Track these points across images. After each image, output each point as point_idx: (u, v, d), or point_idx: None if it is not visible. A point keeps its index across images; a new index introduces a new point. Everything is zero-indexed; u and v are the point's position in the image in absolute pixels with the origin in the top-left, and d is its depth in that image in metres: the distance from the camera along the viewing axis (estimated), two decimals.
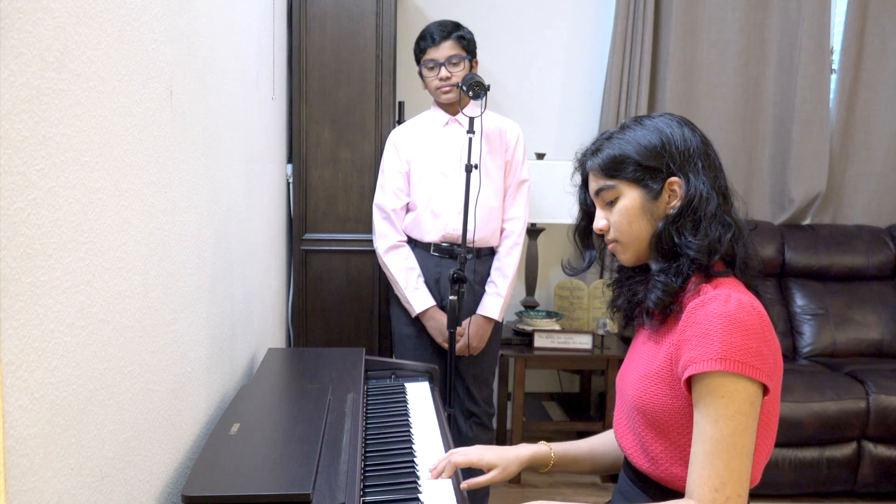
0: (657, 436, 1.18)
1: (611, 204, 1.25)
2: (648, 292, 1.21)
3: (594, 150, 1.27)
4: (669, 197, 1.20)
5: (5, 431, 0.70)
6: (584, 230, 1.37)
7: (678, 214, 1.18)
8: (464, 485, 1.30)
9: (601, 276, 3.28)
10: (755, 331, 1.08)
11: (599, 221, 1.27)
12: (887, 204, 3.55)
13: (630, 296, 1.27)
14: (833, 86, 3.48)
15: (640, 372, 1.22)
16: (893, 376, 2.90)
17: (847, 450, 2.84)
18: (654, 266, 1.21)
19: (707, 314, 1.09)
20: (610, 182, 1.23)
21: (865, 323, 3.26)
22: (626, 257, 1.26)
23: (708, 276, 1.17)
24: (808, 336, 3.26)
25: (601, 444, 1.43)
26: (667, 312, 1.19)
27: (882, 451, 2.83)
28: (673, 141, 1.20)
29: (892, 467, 2.83)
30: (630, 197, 1.22)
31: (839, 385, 2.84)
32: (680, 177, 1.19)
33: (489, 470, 1.33)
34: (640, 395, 1.20)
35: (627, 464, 1.29)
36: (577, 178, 1.34)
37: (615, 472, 1.42)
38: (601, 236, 1.30)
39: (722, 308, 1.09)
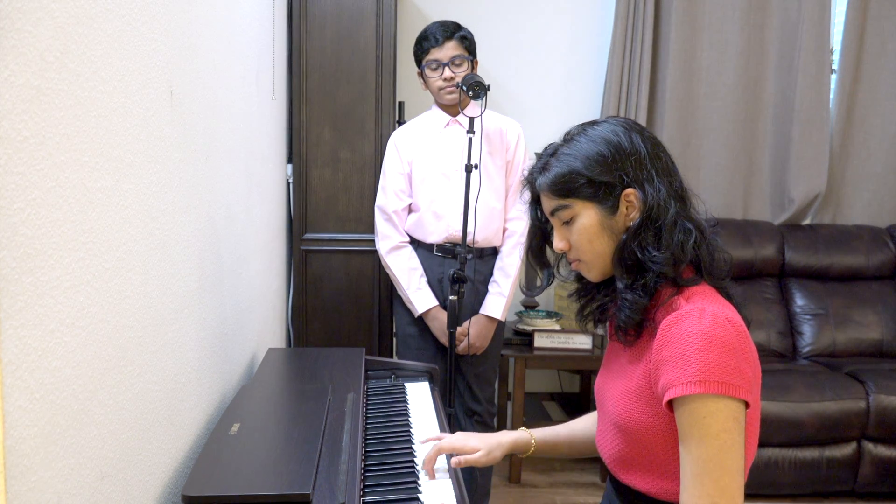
0: (638, 451, 1.16)
1: (568, 223, 1.19)
2: (618, 311, 1.17)
3: (541, 167, 1.21)
4: (627, 209, 1.16)
5: (5, 431, 0.70)
6: (538, 248, 1.32)
7: (638, 228, 1.14)
8: (453, 461, 1.32)
9: None
10: (732, 346, 1.05)
11: (559, 242, 1.22)
12: (887, 204, 3.55)
13: (599, 312, 1.24)
14: (833, 86, 3.48)
15: (619, 388, 1.20)
16: (893, 376, 2.90)
17: (847, 450, 2.84)
18: (619, 284, 1.17)
19: (682, 333, 1.06)
20: (564, 202, 1.17)
21: (865, 323, 3.26)
22: (593, 275, 1.22)
23: (678, 285, 1.14)
24: (808, 336, 3.26)
25: (581, 428, 1.42)
26: (640, 328, 1.16)
27: (882, 451, 2.83)
28: (622, 149, 1.15)
29: (892, 467, 2.83)
30: (587, 215, 1.17)
31: (839, 385, 2.84)
32: (635, 187, 1.15)
33: (472, 453, 1.35)
34: (621, 412, 1.17)
35: (611, 475, 1.28)
36: (527, 195, 1.28)
37: (596, 456, 1.42)
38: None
39: (697, 326, 1.06)
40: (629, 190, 1.15)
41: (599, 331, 3.13)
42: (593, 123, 1.21)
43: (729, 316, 1.08)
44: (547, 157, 1.21)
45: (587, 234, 1.17)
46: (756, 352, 1.13)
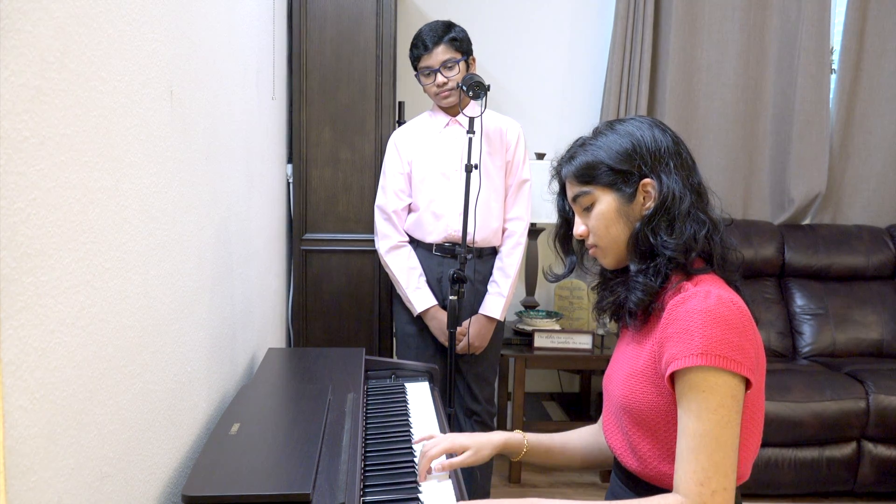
0: (644, 434, 1.19)
1: (588, 209, 1.26)
2: (629, 293, 1.21)
3: (569, 157, 1.29)
4: (644, 199, 1.21)
5: (5, 431, 0.70)
6: (563, 237, 1.38)
7: (652, 215, 1.19)
8: (436, 465, 1.31)
9: None
10: (735, 325, 1.09)
11: (578, 227, 1.28)
12: (887, 204, 3.56)
13: (612, 297, 1.27)
14: (833, 86, 3.48)
15: (625, 371, 1.23)
16: (893, 376, 2.90)
17: (847, 450, 2.84)
18: (632, 267, 1.22)
19: (687, 311, 1.11)
20: (585, 188, 1.25)
21: (865, 323, 3.26)
22: (608, 261, 1.28)
23: (688, 273, 1.19)
24: (808, 336, 3.26)
25: (575, 439, 1.44)
26: (648, 312, 1.20)
27: (882, 451, 2.83)
28: (644, 143, 1.22)
29: (892, 467, 2.83)
30: (605, 202, 1.23)
31: (839, 385, 2.84)
32: (652, 178, 1.20)
33: (462, 452, 1.34)
34: (626, 394, 1.21)
35: (617, 465, 1.29)
36: (555, 185, 1.35)
37: (590, 469, 1.43)
38: (581, 241, 1.31)
39: (702, 304, 1.10)
40: (647, 180, 1.21)
41: (600, 330, 3.13)
42: (621, 120, 1.29)
43: (734, 299, 1.12)
44: (575, 148, 1.29)
45: (605, 219, 1.23)
46: (760, 339, 1.16)
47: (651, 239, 1.19)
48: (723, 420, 1.06)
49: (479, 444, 1.36)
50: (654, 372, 1.16)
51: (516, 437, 1.40)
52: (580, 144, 1.28)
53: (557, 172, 1.32)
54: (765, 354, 1.17)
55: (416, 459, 1.38)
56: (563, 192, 1.34)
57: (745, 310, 1.13)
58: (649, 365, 1.17)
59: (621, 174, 1.21)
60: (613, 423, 1.28)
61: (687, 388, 1.08)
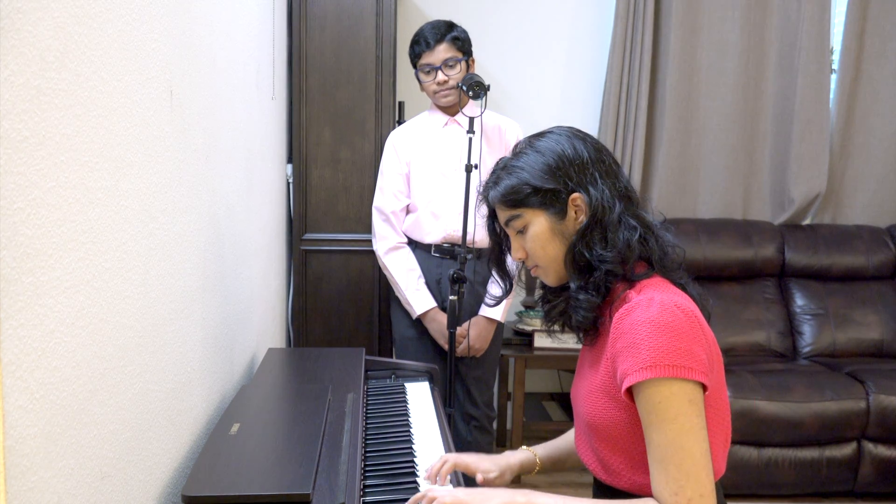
0: (612, 449, 1.18)
1: (522, 232, 1.25)
2: (573, 311, 1.21)
3: (493, 181, 1.27)
4: (576, 213, 1.20)
5: (5, 431, 0.70)
6: (498, 259, 1.38)
7: (585, 229, 1.18)
8: (479, 479, 1.34)
9: None
10: (681, 330, 1.07)
11: (516, 252, 1.27)
12: (887, 204, 3.55)
13: (561, 315, 1.27)
14: (833, 86, 3.48)
15: (586, 387, 1.23)
16: (893, 376, 2.90)
17: (847, 450, 2.83)
18: (572, 285, 1.21)
19: (632, 323, 1.10)
20: (515, 212, 1.23)
21: (865, 323, 3.25)
22: (550, 280, 1.27)
23: (630, 281, 1.18)
24: (808, 336, 3.25)
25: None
26: (598, 326, 1.20)
27: (882, 451, 2.83)
28: (565, 157, 1.20)
29: (892, 467, 2.83)
30: (538, 223, 1.22)
31: (839, 385, 2.84)
32: (580, 191, 1.19)
33: (486, 474, 1.36)
34: (589, 410, 1.20)
35: (594, 478, 1.29)
36: (484, 210, 1.33)
37: None
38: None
39: (644, 314, 1.09)
40: (575, 194, 1.20)
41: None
42: (540, 135, 1.27)
43: (678, 302, 1.11)
44: (498, 172, 1.27)
45: (540, 240, 1.22)
46: (713, 336, 1.16)
47: (587, 254, 1.18)
48: (684, 427, 1.05)
49: (503, 467, 1.39)
50: (612, 387, 1.16)
51: (528, 455, 1.43)
52: (502, 167, 1.26)
53: (485, 198, 1.30)
54: (719, 351, 1.16)
55: (416, 460, 1.38)
56: (493, 215, 1.33)
57: (690, 310, 1.12)
58: (606, 381, 1.16)
59: (549, 193, 1.20)
60: (583, 439, 1.28)
61: (644, 402, 1.08)
